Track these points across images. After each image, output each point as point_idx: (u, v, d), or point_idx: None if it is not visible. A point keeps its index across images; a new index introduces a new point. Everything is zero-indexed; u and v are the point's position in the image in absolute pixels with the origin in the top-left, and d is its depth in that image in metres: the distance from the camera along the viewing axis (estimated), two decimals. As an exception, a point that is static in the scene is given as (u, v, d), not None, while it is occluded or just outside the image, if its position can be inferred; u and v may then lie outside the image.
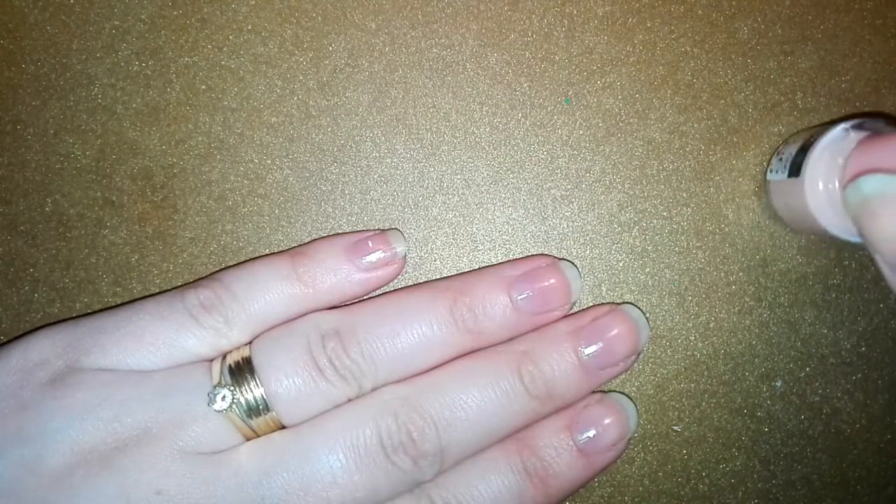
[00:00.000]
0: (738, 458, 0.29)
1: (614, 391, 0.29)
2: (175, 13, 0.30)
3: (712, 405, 0.29)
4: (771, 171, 0.28)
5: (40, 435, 0.24)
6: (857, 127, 0.25)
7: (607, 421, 0.27)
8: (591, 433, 0.26)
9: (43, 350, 0.25)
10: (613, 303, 0.29)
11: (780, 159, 0.28)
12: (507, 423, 0.26)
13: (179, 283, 0.29)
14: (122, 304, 0.27)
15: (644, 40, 0.30)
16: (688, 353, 0.29)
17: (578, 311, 0.28)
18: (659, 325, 0.29)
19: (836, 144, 0.25)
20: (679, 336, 0.30)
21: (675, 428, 0.29)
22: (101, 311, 0.27)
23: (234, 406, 0.24)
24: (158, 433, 0.24)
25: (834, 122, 0.27)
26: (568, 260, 0.29)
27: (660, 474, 0.29)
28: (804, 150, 0.26)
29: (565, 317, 0.28)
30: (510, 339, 0.27)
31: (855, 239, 0.25)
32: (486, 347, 0.27)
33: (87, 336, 0.25)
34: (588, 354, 0.26)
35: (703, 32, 0.30)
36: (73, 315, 0.29)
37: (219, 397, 0.24)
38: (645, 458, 0.29)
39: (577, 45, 0.30)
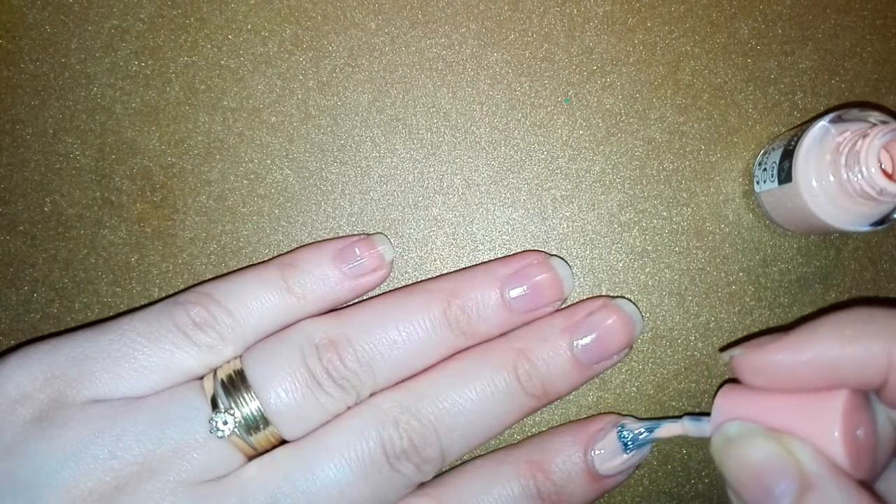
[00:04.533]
0: (738, 457, 0.29)
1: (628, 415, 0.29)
2: (174, 13, 0.30)
3: (712, 405, 0.29)
4: (758, 183, 0.28)
5: (34, 481, 0.22)
6: (836, 121, 0.25)
7: (615, 447, 0.27)
8: (603, 461, 0.26)
9: (21, 384, 0.24)
10: (608, 296, 0.29)
11: (765, 169, 0.28)
12: (505, 421, 0.26)
13: (179, 283, 0.29)
14: (100, 323, 0.26)
15: (644, 40, 0.30)
16: (688, 353, 0.29)
17: (572, 306, 0.28)
18: (659, 325, 0.29)
19: (819, 142, 0.25)
20: (679, 336, 0.30)
21: (675, 428, 0.29)
22: (76, 328, 0.26)
23: (235, 428, 0.24)
24: (158, 467, 0.23)
25: (807, 123, 0.27)
26: (559, 256, 0.29)
27: (660, 474, 0.29)
28: (789, 155, 0.26)
29: (559, 311, 0.28)
30: (505, 336, 0.27)
31: (862, 229, 0.25)
32: (478, 345, 0.27)
33: (71, 365, 0.24)
34: (583, 350, 0.26)
35: (703, 32, 0.30)
36: (73, 315, 0.29)
37: (219, 422, 0.24)
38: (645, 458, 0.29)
39: (577, 45, 0.30)
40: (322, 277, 0.26)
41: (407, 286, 0.28)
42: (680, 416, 0.25)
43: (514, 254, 0.29)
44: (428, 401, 0.25)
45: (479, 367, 0.26)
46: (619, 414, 0.29)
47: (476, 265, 0.29)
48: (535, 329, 0.27)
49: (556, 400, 0.27)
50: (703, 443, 0.29)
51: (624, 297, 0.29)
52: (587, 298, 0.29)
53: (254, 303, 0.25)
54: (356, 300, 0.28)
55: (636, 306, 0.28)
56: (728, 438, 0.22)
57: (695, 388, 0.29)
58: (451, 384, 0.25)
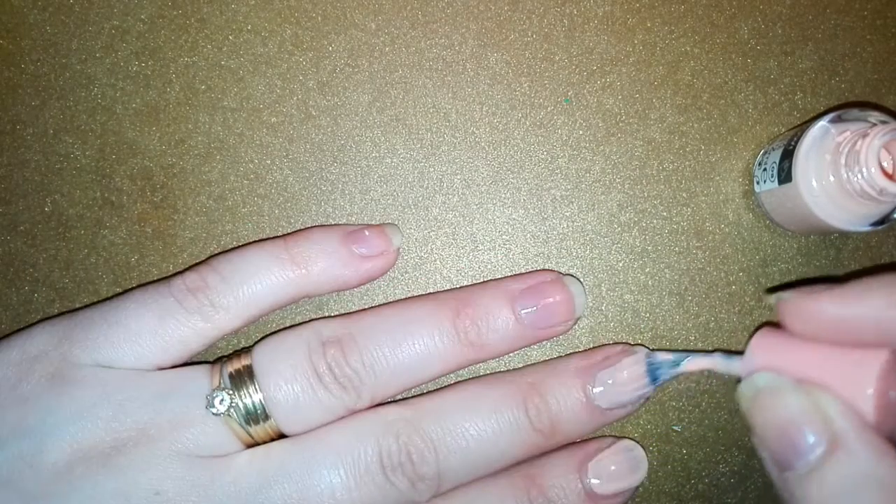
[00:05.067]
0: (738, 458, 0.29)
1: (626, 437, 0.28)
2: (174, 13, 0.30)
3: (712, 405, 0.29)
4: (758, 183, 0.28)
5: (39, 429, 0.24)
6: (836, 121, 0.25)
7: (613, 468, 0.27)
8: (600, 481, 0.26)
9: (41, 343, 0.25)
10: (627, 343, 0.29)
11: (765, 169, 0.28)
12: (508, 454, 0.26)
13: (179, 284, 0.29)
14: (120, 294, 0.27)
15: (644, 40, 0.30)
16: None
17: (591, 349, 0.28)
18: (659, 325, 0.29)
19: (819, 142, 0.25)
20: (679, 336, 0.30)
21: (675, 428, 0.29)
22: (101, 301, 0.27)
23: (232, 410, 0.24)
24: (156, 434, 0.24)
25: (807, 123, 0.27)
26: (573, 275, 0.29)
27: (660, 474, 0.29)
28: (789, 155, 0.26)
29: (576, 354, 0.28)
30: (519, 369, 0.27)
31: (862, 229, 0.25)
32: (491, 374, 0.27)
33: (78, 328, 0.25)
34: (597, 393, 0.26)
35: (703, 32, 0.30)
36: (73, 315, 0.29)
37: (216, 400, 0.24)
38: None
39: (577, 45, 0.30)
40: (328, 251, 0.26)
41: (419, 295, 0.29)
42: (712, 351, 0.25)
43: (526, 272, 0.29)
44: (432, 419, 0.25)
45: (490, 395, 0.26)
46: (615, 437, 0.28)
47: (489, 280, 0.29)
48: (550, 366, 0.27)
49: (565, 443, 0.27)
50: (702, 443, 0.29)
51: (642, 346, 0.28)
52: (607, 344, 0.29)
53: (251, 270, 0.26)
54: (362, 304, 0.28)
55: (648, 349, 0.28)
56: (757, 389, 0.22)
57: (695, 388, 0.29)
58: (459, 407, 0.25)
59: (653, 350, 0.27)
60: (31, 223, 0.29)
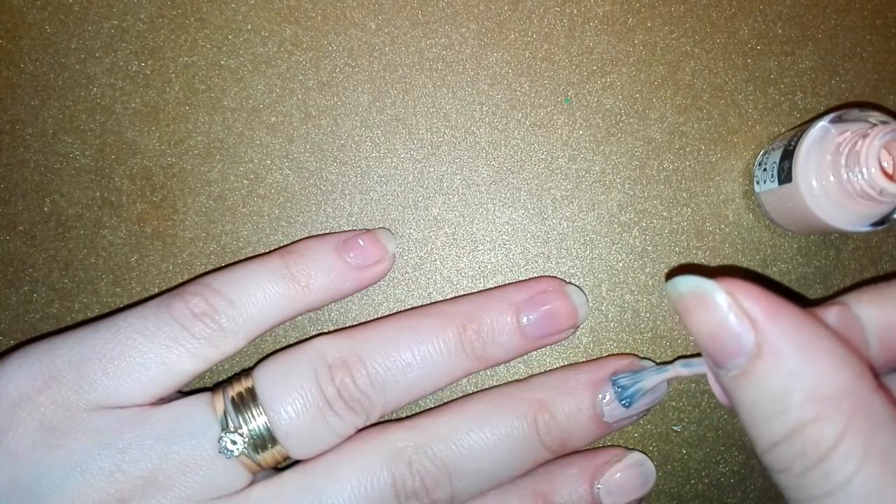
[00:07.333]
0: (738, 458, 0.29)
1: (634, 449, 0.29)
2: (174, 13, 0.30)
3: (712, 405, 0.29)
4: (758, 183, 0.28)
5: (37, 489, 0.22)
6: (836, 121, 0.25)
7: (624, 483, 0.27)
8: (611, 496, 0.27)
9: (20, 384, 0.23)
10: (635, 355, 0.29)
11: (765, 169, 0.28)
12: (517, 470, 0.26)
13: (179, 284, 0.29)
14: (101, 318, 0.26)
15: (644, 40, 0.30)
16: (688, 353, 0.29)
17: (598, 360, 0.28)
18: (659, 326, 0.29)
19: (819, 142, 0.25)
20: (679, 336, 0.30)
21: (675, 428, 0.29)
22: (75, 326, 0.26)
23: (243, 448, 0.24)
24: (164, 482, 0.23)
25: (807, 123, 0.27)
26: (575, 284, 0.29)
27: (660, 474, 0.29)
28: (789, 155, 0.26)
29: (584, 365, 0.28)
30: (525, 381, 0.27)
31: (862, 229, 0.25)
32: (496, 388, 0.27)
33: (69, 367, 0.24)
34: (606, 409, 0.26)
35: (703, 32, 0.30)
36: (73, 315, 0.29)
37: (228, 442, 0.23)
38: (645, 458, 0.29)
39: (577, 45, 0.30)
40: (326, 266, 0.26)
41: (421, 307, 0.28)
42: (672, 361, 0.25)
43: (528, 279, 0.29)
44: (443, 443, 0.25)
45: (499, 414, 0.26)
46: (623, 447, 0.29)
47: (490, 289, 0.29)
48: (559, 380, 0.27)
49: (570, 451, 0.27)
50: (702, 443, 0.29)
51: (648, 359, 0.29)
52: (615, 355, 0.29)
53: (256, 292, 0.25)
54: (360, 305, 0.28)
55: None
56: (680, 294, 0.20)
57: (695, 388, 0.29)
58: (468, 429, 0.25)
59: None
60: (31, 223, 0.29)
